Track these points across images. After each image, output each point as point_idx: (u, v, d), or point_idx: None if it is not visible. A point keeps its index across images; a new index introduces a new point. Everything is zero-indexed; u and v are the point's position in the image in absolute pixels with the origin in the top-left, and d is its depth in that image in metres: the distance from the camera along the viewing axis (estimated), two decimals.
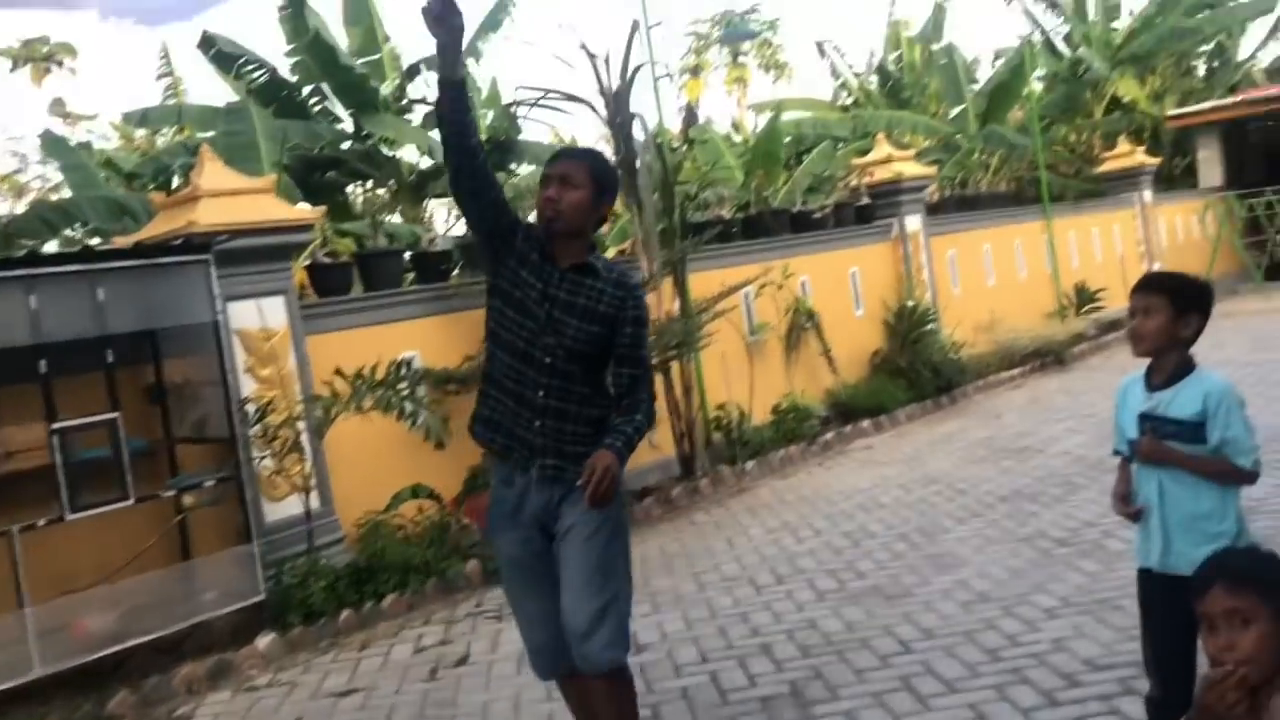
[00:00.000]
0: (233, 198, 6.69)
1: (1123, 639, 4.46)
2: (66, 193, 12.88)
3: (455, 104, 3.28)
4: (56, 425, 5.52)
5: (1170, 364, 3.18)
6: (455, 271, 9.02)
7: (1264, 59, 23.72)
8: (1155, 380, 3.21)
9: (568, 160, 3.48)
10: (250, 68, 11.99)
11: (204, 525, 6.31)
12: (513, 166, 13.88)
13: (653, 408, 3.53)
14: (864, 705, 4.29)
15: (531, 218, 3.67)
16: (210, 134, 11.00)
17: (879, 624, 5.17)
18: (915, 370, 11.10)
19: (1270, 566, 2.30)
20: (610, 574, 3.40)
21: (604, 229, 12.47)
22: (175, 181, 10.92)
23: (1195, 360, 3.18)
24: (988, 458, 8.54)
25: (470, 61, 13.04)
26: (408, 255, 9.17)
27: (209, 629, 6.08)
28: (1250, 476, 3.09)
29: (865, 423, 10.30)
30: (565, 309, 3.40)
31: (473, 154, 3.31)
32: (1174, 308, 3.13)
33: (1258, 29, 23.17)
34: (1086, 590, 5.22)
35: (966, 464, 8.43)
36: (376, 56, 12.77)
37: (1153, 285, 3.20)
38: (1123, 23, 21.70)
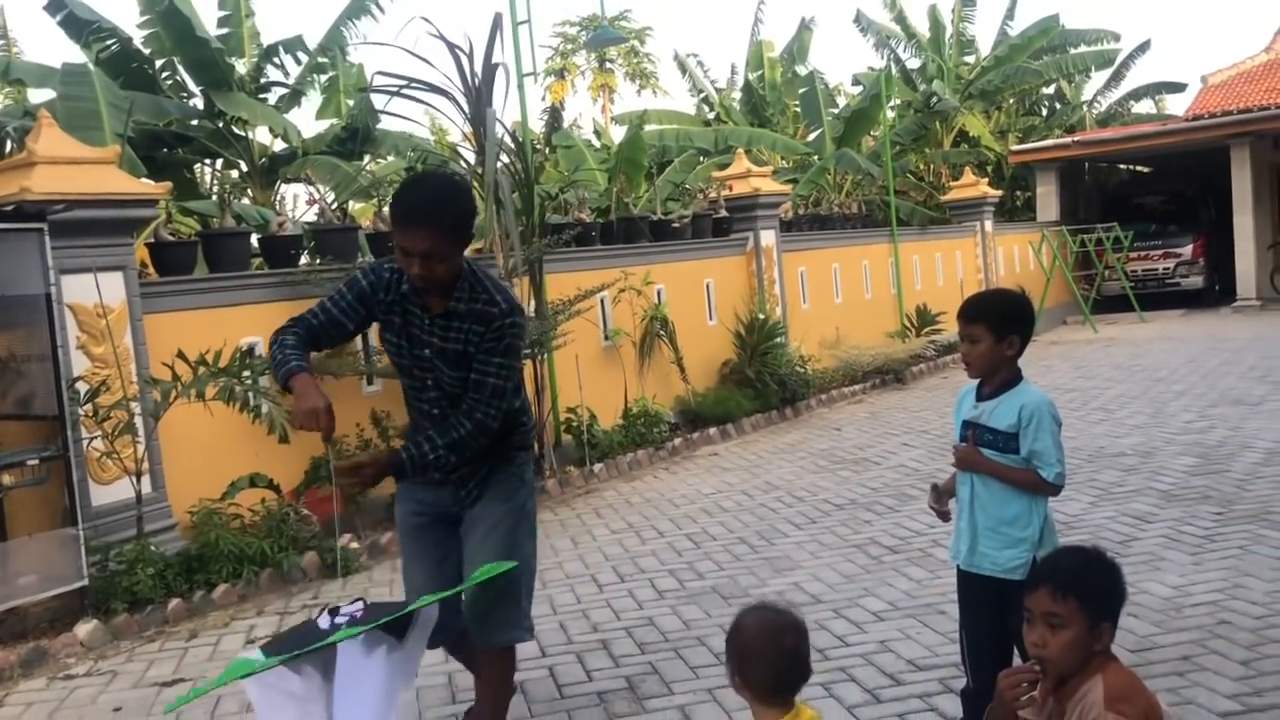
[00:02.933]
0: (72, 166, 6.39)
1: (944, 642, 4.68)
2: None
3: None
4: None
5: (999, 379, 3.36)
6: (304, 257, 8.80)
7: (1101, 105, 25.16)
8: (984, 391, 3.39)
9: (425, 229, 3.35)
10: (101, 35, 11.44)
11: (24, 506, 5.98)
12: (368, 157, 13.64)
13: (476, 434, 3.55)
14: (697, 701, 4.37)
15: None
16: (48, 96, 10.48)
17: (715, 623, 5.27)
18: (763, 381, 11.35)
19: (1097, 575, 2.40)
20: (509, 560, 3.58)
21: None
22: (9, 146, 10.37)
23: (1022, 375, 3.37)
24: (827, 468, 8.79)
25: (337, 50, 12.79)
26: (255, 238, 8.91)
27: (24, 615, 5.79)
28: (1053, 489, 3.29)
29: (712, 430, 10.49)
30: (439, 354, 3.60)
31: (316, 347, 3.62)
32: (994, 334, 3.31)
33: (1096, 78, 24.59)
34: (913, 596, 5.44)
35: (806, 473, 8.66)
36: (235, 31, 12.35)
37: (972, 314, 3.36)
38: (974, 59, 22.72)
